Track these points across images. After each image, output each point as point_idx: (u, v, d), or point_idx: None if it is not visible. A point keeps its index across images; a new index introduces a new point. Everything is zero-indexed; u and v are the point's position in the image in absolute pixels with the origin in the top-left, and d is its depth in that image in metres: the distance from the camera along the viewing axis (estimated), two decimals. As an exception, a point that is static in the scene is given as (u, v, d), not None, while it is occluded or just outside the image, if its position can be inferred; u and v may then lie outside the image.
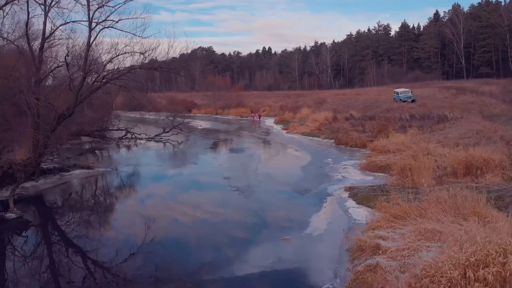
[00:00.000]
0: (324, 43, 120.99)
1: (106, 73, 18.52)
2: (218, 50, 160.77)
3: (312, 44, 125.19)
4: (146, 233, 11.74)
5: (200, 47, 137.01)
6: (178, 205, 14.78)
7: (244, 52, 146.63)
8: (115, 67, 18.63)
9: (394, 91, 48.50)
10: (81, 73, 18.46)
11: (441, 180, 15.05)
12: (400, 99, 44.76)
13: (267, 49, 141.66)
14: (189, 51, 20.01)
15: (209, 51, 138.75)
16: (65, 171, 19.95)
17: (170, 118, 37.91)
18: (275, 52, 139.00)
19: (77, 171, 20.23)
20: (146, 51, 17.84)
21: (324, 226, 11.43)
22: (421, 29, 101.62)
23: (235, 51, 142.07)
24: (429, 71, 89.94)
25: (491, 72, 79.43)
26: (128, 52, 17.91)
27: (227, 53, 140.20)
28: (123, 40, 18.44)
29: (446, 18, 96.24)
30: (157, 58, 20.28)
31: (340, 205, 13.38)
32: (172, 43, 19.09)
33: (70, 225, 13.63)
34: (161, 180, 19.49)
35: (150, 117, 54.82)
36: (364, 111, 41.46)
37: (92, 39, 18.51)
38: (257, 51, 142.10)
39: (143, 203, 15.83)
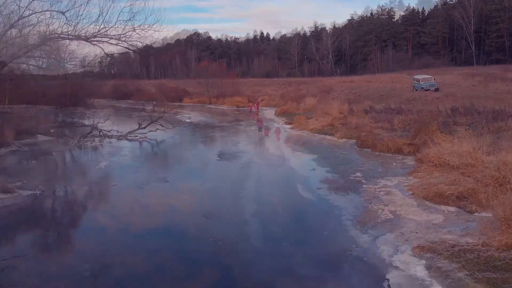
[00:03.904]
0: (325, 27, 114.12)
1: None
2: (215, 36, 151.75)
3: (312, 29, 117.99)
4: None
5: (196, 32, 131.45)
6: None
7: (242, 38, 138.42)
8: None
9: (414, 78, 42.34)
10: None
11: None
12: (422, 88, 38.72)
13: (265, 35, 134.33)
14: (137, 17, 12.84)
15: (205, 37, 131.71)
16: (-33, 197, 13.29)
17: (145, 110, 31.08)
18: (273, 38, 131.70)
19: (-14, 198, 13.51)
20: (67, 10, 10.90)
21: None
22: (426, 13, 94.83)
23: (232, 37, 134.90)
24: (436, 57, 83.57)
25: (503, 58, 72.82)
26: (38, 12, 10.97)
27: (223, 39, 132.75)
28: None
29: (455, 0, 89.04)
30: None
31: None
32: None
33: None
34: (104, 218, 12.20)
35: (130, 106, 47.90)
36: (380, 101, 34.89)
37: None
38: (255, 36, 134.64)
39: (58, 264, 9.17)
